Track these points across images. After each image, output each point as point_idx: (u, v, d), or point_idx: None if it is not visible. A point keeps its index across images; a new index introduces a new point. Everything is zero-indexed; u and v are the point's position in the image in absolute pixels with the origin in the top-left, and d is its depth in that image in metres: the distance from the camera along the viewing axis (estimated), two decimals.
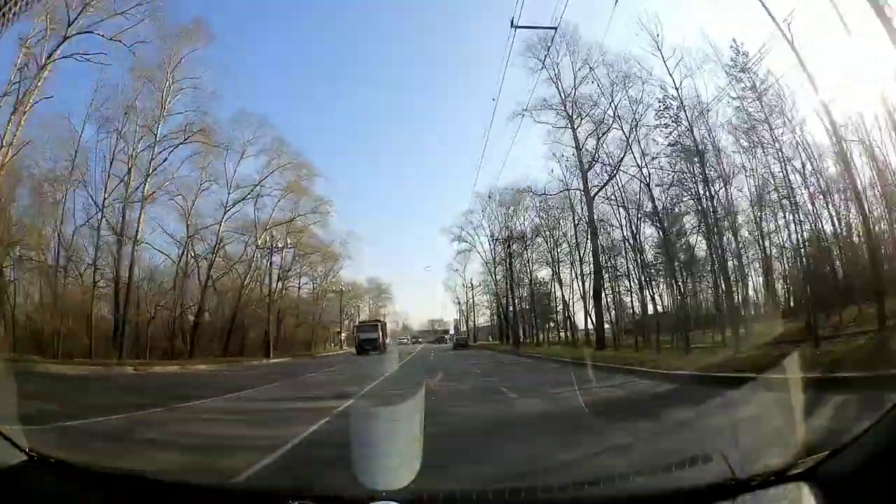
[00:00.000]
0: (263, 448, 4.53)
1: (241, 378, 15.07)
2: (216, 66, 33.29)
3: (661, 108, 20.90)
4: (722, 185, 19.33)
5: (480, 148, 74.57)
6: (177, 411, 7.78)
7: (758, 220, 19.21)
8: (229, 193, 30.91)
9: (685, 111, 18.95)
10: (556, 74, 24.92)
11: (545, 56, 24.61)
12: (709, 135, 19.37)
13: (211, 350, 30.74)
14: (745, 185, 19.17)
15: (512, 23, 15.17)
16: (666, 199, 20.81)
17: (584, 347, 24.64)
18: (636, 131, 21.26)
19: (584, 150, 24.29)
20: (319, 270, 44.75)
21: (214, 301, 33.78)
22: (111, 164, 25.93)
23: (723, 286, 19.08)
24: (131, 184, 26.17)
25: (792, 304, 20.01)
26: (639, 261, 22.35)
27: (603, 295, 24.48)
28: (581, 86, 24.29)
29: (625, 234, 23.31)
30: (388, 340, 46.31)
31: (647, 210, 21.28)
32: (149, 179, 26.37)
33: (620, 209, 23.34)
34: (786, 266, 20.09)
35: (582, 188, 24.65)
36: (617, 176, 22.75)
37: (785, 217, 18.41)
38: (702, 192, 20.09)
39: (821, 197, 17.39)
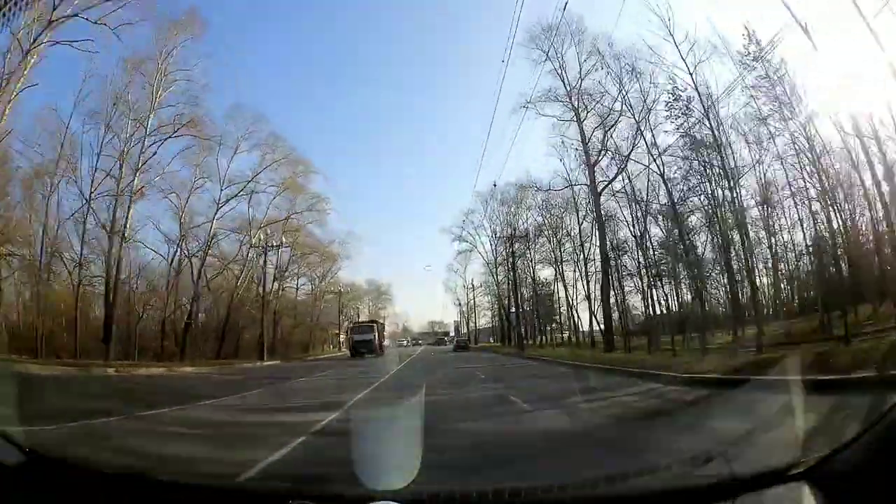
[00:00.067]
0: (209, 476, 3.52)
1: (226, 383, 14.01)
2: (210, 59, 32.56)
3: (672, 99, 19.91)
4: (734, 179, 18.55)
5: (480, 148, 74.15)
6: (133, 421, 6.75)
7: (766, 217, 18.68)
8: (222, 189, 29.99)
9: (700, 98, 17.92)
10: (560, 66, 24.03)
11: (549, 47, 23.76)
12: (720, 128, 18.57)
13: (204, 352, 29.74)
14: (752, 182, 18.62)
15: None
16: (678, 193, 19.80)
17: (592, 349, 23.60)
18: (648, 121, 20.22)
19: (590, 143, 23.31)
20: (318, 271, 43.93)
21: (209, 302, 32.85)
22: (98, 157, 24.97)
23: (747, 285, 18.11)
24: (119, 177, 25.19)
25: (797, 302, 19.76)
26: (652, 257, 21.29)
27: (611, 294, 23.42)
28: (587, 77, 23.37)
29: (633, 231, 22.38)
30: (385, 342, 45.04)
31: (661, 203, 20.28)
32: (138, 173, 25.36)
33: (630, 204, 22.44)
34: (791, 265, 19.72)
35: (589, 183, 23.63)
36: (626, 170, 21.73)
37: (798, 213, 17.96)
38: (715, 185, 19.23)
39: (830, 194, 16.75)
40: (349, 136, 65.97)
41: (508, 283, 39.64)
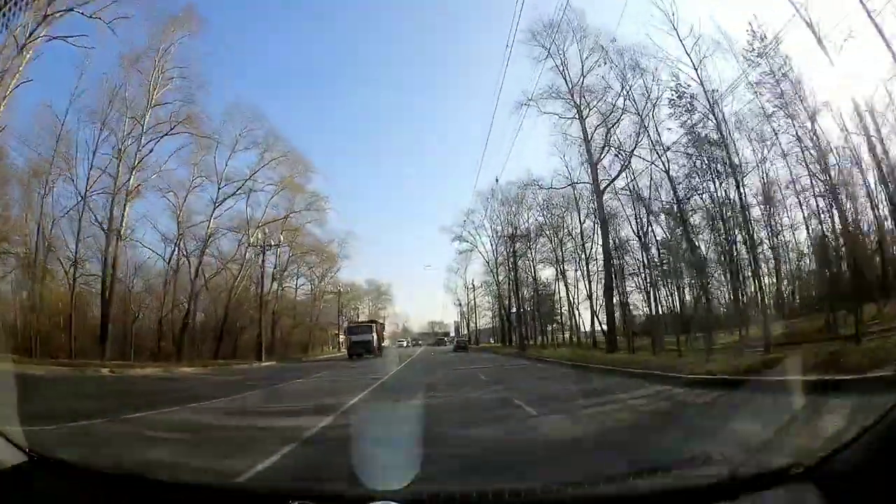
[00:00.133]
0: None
1: (219, 384, 13.64)
2: (209, 57, 32.25)
3: (676, 97, 19.57)
4: (740, 176, 18.25)
5: (480, 148, 73.83)
6: (118, 424, 6.42)
7: (769, 216, 18.43)
8: (219, 188, 29.67)
9: (706, 93, 17.56)
10: (562, 63, 23.67)
11: (551, 43, 23.45)
12: (725, 124, 18.27)
13: (201, 352, 29.43)
14: (755, 181, 18.33)
15: None
16: (682, 191, 19.48)
17: (595, 350, 23.20)
18: (652, 117, 19.88)
19: (593, 140, 22.97)
20: (317, 271, 43.65)
21: (207, 301, 32.53)
22: (94, 154, 24.68)
23: (752, 284, 17.83)
24: (116, 175, 24.88)
25: (798, 302, 19.57)
26: (657, 256, 20.96)
27: (615, 293, 23.04)
28: (589, 74, 23.03)
29: (636, 230, 22.04)
30: (384, 343, 44.60)
31: (664, 201, 19.94)
32: (134, 171, 25.06)
33: (631, 204, 22.10)
34: (793, 265, 19.56)
35: (591, 181, 23.28)
36: (629, 167, 21.38)
37: (802, 212, 17.70)
38: (720, 183, 18.92)
39: (834, 192, 16.50)
40: (349, 136, 65.91)
41: (509, 283, 39.32)
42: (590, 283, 28.47)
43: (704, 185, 19.18)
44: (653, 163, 19.42)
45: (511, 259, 36.28)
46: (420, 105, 63.70)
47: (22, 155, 24.10)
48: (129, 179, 25.01)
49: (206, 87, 27.80)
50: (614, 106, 21.98)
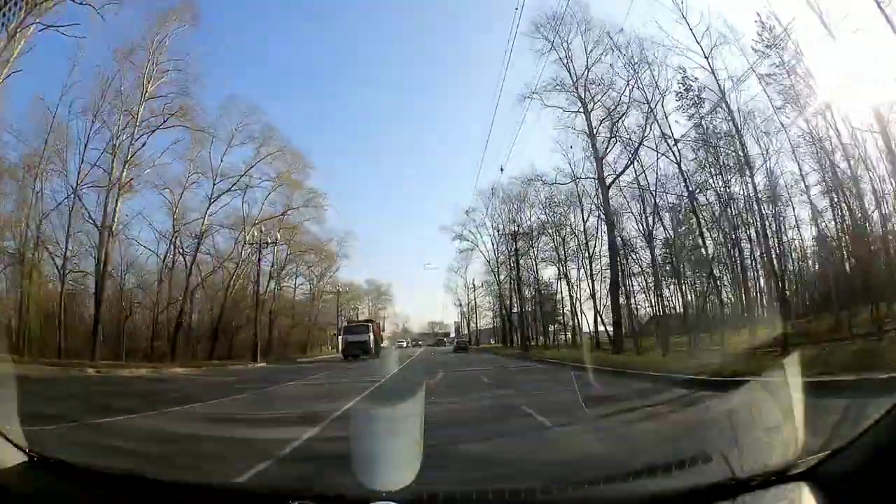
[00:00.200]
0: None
1: (207, 386, 12.96)
2: (204, 50, 31.66)
3: (684, 89, 18.98)
4: (750, 169, 17.71)
5: (480, 148, 73.26)
6: (86, 431, 5.77)
7: (776, 215, 18.15)
8: (215, 183, 28.98)
9: (718, 82, 16.96)
10: (566, 55, 23.08)
11: (554, 36, 22.84)
12: (736, 115, 17.70)
13: (196, 352, 28.77)
14: (761, 179, 18.07)
15: None
16: (691, 186, 18.88)
17: (599, 351, 22.48)
18: (661, 107, 19.27)
19: (598, 134, 22.33)
20: (316, 270, 43.05)
21: (202, 301, 31.88)
22: (86, 147, 24.03)
23: (774, 282, 17.32)
24: (110, 170, 24.23)
25: (807, 302, 19.40)
26: (661, 253, 20.34)
27: (620, 292, 22.40)
28: (594, 66, 22.44)
29: (641, 229, 21.47)
30: (383, 343, 43.74)
31: (673, 196, 19.37)
32: (127, 165, 24.39)
33: (636, 201, 21.57)
34: (798, 264, 19.22)
35: (596, 176, 22.64)
36: (637, 159, 20.76)
37: (810, 210, 17.38)
38: (730, 177, 18.37)
39: (841, 189, 16.03)
40: (349, 135, 65.40)
41: (510, 282, 38.70)
42: (593, 282, 27.91)
43: (713, 179, 18.68)
44: (664, 154, 18.82)
45: (513, 257, 35.64)
46: (420, 105, 63.33)
47: (16, 151, 23.56)
48: (122, 173, 24.36)
49: (202, 81, 27.02)
50: (620, 99, 21.40)
